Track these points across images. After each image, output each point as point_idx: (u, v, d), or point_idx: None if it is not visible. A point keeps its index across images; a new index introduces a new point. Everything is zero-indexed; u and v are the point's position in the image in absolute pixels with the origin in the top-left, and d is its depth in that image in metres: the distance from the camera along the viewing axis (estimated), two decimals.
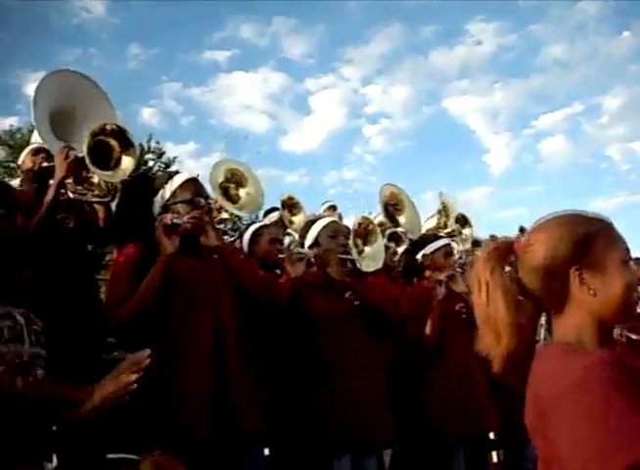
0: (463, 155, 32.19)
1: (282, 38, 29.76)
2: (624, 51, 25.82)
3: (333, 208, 7.12)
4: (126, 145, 3.22)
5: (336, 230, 3.32)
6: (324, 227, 3.27)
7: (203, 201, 2.58)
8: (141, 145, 16.78)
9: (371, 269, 4.30)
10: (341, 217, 5.94)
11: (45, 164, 3.44)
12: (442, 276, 3.70)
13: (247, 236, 3.96)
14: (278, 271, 4.01)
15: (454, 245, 5.27)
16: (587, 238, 1.36)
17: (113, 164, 3.19)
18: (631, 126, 28.55)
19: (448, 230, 5.54)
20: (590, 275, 1.34)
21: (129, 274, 2.39)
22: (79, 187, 3.24)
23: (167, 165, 18.81)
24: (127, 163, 3.21)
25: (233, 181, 4.41)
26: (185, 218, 2.45)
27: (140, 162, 17.08)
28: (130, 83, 26.51)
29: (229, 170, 4.41)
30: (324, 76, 35.83)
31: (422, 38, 28.53)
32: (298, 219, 4.83)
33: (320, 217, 3.53)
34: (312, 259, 3.11)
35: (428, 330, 3.55)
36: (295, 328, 3.01)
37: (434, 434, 3.50)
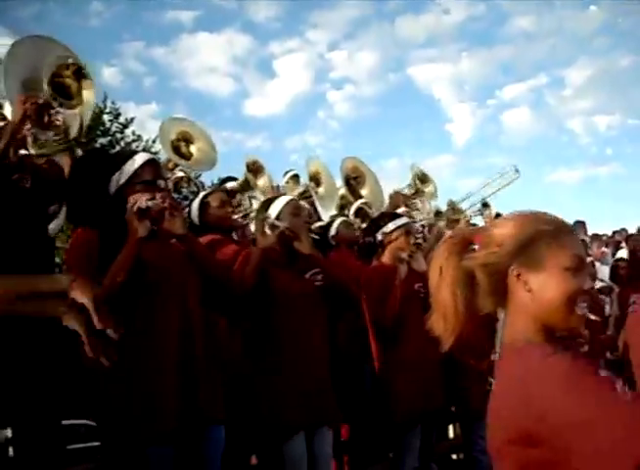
0: (427, 123, 32.36)
1: (248, 0, 29.04)
2: (590, 25, 26.15)
3: (295, 177, 7.08)
4: (82, 77, 3.30)
5: (298, 208, 3.28)
6: (285, 205, 3.20)
7: (163, 183, 2.53)
8: (97, 105, 16.39)
9: (331, 209, 4.59)
10: (305, 187, 5.94)
11: (1, 124, 3.35)
12: (404, 255, 3.72)
13: (195, 206, 3.91)
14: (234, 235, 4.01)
15: (417, 203, 5.37)
16: (531, 235, 1.38)
17: (75, 100, 3.25)
18: (594, 100, 29.09)
19: (412, 190, 5.64)
20: (527, 273, 1.37)
21: (91, 259, 2.32)
22: (42, 134, 3.16)
23: (125, 126, 18.41)
24: (88, 95, 3.27)
25: (182, 139, 4.51)
26: (158, 202, 2.38)
27: (98, 122, 16.71)
28: (91, 41, 25.68)
29: (180, 132, 4.48)
30: (289, 40, 35.36)
31: (389, 5, 28.27)
32: (262, 183, 4.86)
33: (279, 195, 3.49)
34: (285, 232, 3.06)
35: (389, 308, 3.57)
36: (254, 305, 2.97)
37: (390, 412, 3.58)
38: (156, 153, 16.44)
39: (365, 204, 5.19)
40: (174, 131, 4.45)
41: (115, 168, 2.48)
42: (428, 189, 5.80)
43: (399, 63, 32.52)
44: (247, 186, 4.82)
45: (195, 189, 4.22)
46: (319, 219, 4.81)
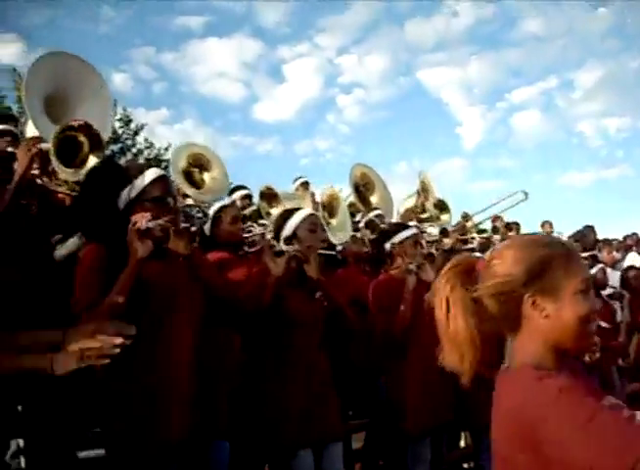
0: (436, 127, 32.33)
1: (257, 5, 29.13)
2: (600, 27, 25.93)
3: (305, 184, 7.08)
4: (96, 145, 3.19)
5: (315, 224, 3.25)
6: (303, 221, 3.18)
7: (172, 201, 2.51)
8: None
9: (342, 241, 4.43)
10: (313, 195, 5.94)
11: (10, 149, 3.37)
12: (412, 265, 3.70)
13: (208, 220, 3.86)
14: (246, 248, 4.00)
15: (432, 230, 5.34)
16: (543, 263, 1.37)
17: (78, 162, 3.15)
18: (604, 103, 28.92)
19: (426, 215, 5.61)
20: (543, 300, 1.36)
21: (98, 276, 2.31)
22: (46, 179, 3.19)
23: (136, 133, 18.49)
24: (93, 163, 3.15)
25: (196, 165, 4.41)
26: (161, 222, 2.37)
27: None
28: (101, 47, 25.82)
29: (192, 155, 4.38)
30: (299, 45, 35.51)
31: (399, 8, 28.28)
32: (276, 212, 4.76)
33: (297, 209, 3.41)
34: (294, 256, 3.06)
35: (399, 319, 3.56)
36: (267, 323, 2.99)
37: (400, 426, 3.58)
38: (167, 160, 16.55)
39: (377, 216, 5.17)
40: (184, 156, 4.39)
41: (126, 183, 2.46)
42: (444, 218, 5.77)
43: (409, 67, 32.48)
44: (258, 215, 4.78)
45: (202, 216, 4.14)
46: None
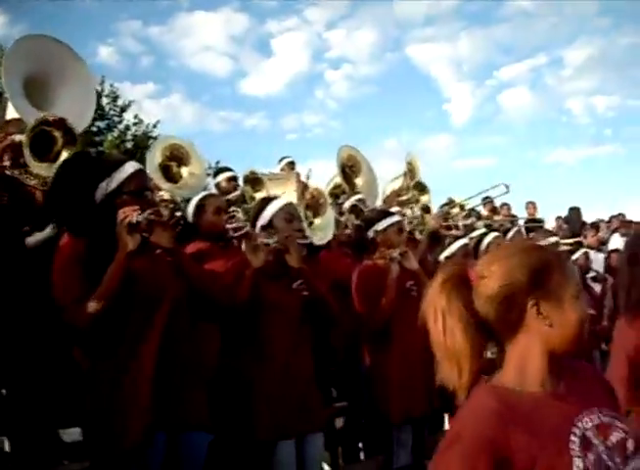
0: (425, 103, 32.32)
1: None
2: (590, 4, 25.80)
3: (291, 164, 7.07)
4: (70, 140, 3.21)
5: (291, 213, 3.24)
6: (279, 209, 3.18)
7: (150, 194, 2.53)
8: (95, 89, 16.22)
9: (322, 242, 4.34)
10: (299, 175, 5.95)
11: None
12: (395, 254, 3.67)
13: (191, 207, 3.82)
14: (232, 233, 3.95)
15: (411, 212, 5.35)
16: (543, 266, 1.35)
17: (52, 157, 3.17)
18: (593, 80, 29.03)
19: (407, 197, 5.62)
20: (545, 305, 1.34)
21: (79, 270, 2.31)
22: (16, 171, 3.17)
23: (123, 110, 18.26)
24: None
25: (175, 159, 4.31)
26: (147, 215, 2.36)
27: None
28: (88, 20, 25.50)
29: (169, 147, 4.29)
30: (287, 19, 35.17)
31: None
32: (260, 196, 4.66)
33: (274, 197, 3.42)
34: (274, 248, 3.04)
35: (382, 308, 3.56)
36: (244, 315, 2.98)
37: (382, 412, 3.60)
38: (155, 137, 16.36)
39: (360, 200, 5.17)
40: (161, 148, 4.33)
41: (103, 175, 2.47)
42: (424, 198, 5.77)
43: (397, 42, 32.30)
44: (243, 200, 4.74)
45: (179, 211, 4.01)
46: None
